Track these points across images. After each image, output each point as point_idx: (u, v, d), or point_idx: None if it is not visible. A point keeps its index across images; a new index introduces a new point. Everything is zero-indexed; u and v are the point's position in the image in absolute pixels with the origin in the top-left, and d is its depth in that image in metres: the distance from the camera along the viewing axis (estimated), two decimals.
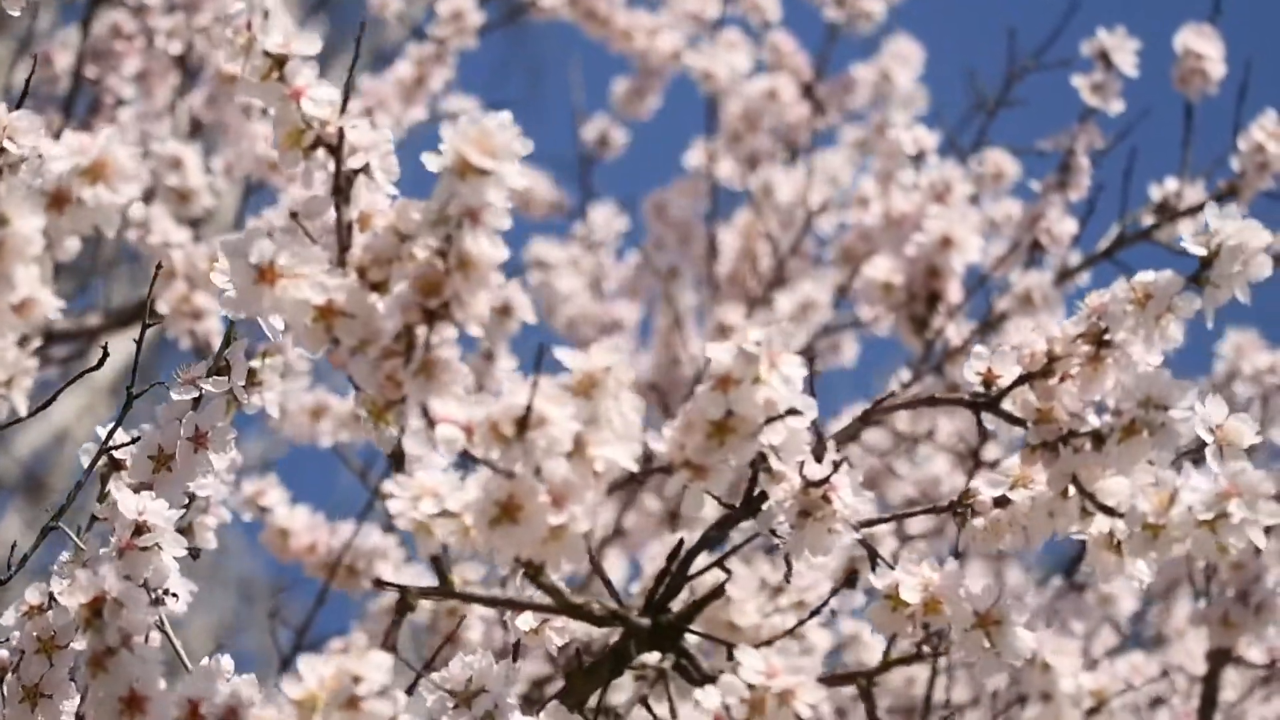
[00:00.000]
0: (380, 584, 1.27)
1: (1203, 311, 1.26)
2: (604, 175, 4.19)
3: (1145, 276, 1.27)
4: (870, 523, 1.41)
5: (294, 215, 1.30)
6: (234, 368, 1.40)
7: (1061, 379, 1.27)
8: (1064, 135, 2.58)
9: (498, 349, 2.35)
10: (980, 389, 1.28)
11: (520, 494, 1.09)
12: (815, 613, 1.34)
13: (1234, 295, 1.26)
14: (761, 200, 2.96)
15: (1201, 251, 1.26)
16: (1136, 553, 1.23)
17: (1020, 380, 1.28)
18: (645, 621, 1.29)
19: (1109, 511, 1.24)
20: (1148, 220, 2.54)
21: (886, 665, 1.26)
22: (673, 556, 1.32)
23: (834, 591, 1.34)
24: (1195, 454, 1.26)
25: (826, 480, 1.26)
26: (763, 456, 1.24)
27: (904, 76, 3.16)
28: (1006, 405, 1.28)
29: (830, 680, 1.20)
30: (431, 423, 1.11)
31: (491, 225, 1.12)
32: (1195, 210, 2.50)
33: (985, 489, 1.33)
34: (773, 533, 1.31)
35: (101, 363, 1.52)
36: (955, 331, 2.52)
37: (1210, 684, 2.29)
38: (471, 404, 1.10)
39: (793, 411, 1.16)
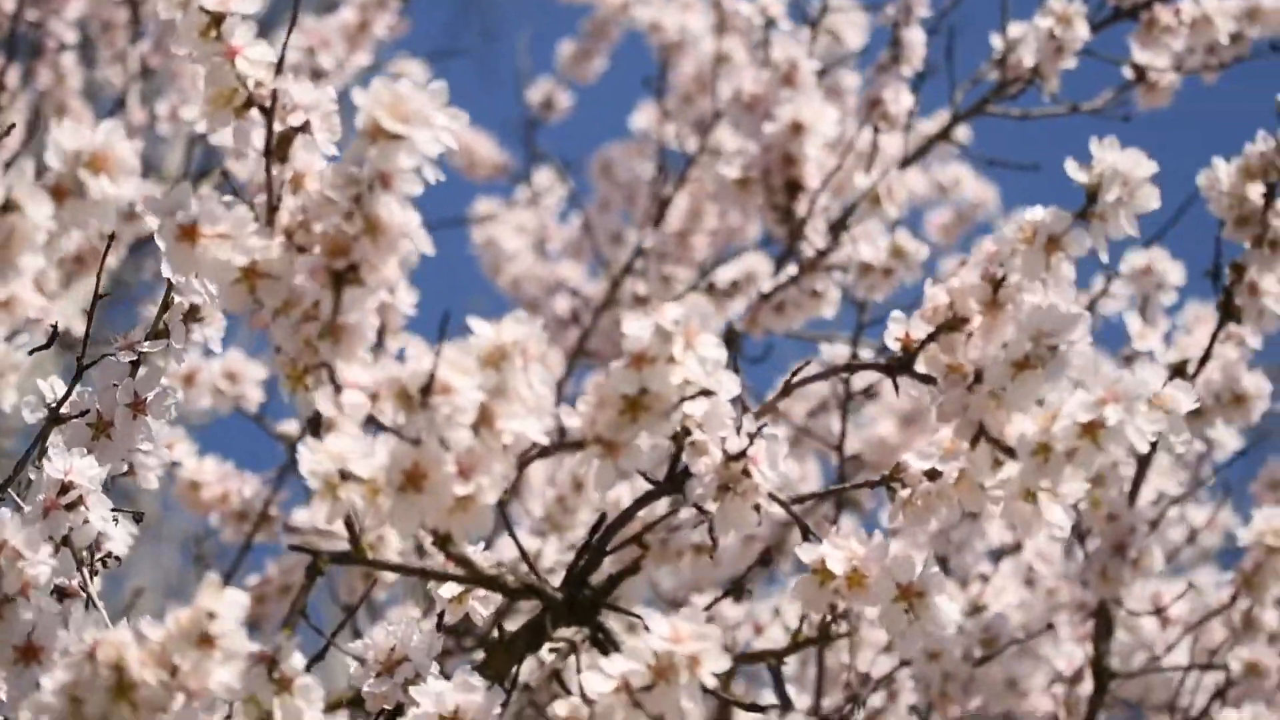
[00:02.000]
0: (293, 547, 1.28)
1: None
2: (549, 137, 4.21)
3: (1033, 214, 1.28)
4: (800, 499, 1.44)
5: (224, 174, 1.31)
6: (173, 332, 1.41)
7: (965, 329, 1.28)
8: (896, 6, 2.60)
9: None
10: (897, 353, 1.30)
11: (426, 462, 1.10)
12: (731, 590, 1.35)
13: (1125, 229, 1.26)
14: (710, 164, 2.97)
15: (1084, 180, 1.27)
16: (1029, 481, 1.23)
17: (930, 338, 1.29)
18: (559, 595, 1.30)
19: (1009, 452, 1.25)
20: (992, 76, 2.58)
21: (795, 646, 1.28)
22: (594, 531, 1.33)
23: (749, 570, 1.35)
24: None
25: (744, 454, 1.27)
26: (686, 431, 1.26)
27: None
28: (919, 366, 1.30)
29: (740, 659, 1.22)
30: (339, 387, 1.12)
31: (403, 191, 1.13)
32: (1025, 82, 2.54)
33: (915, 462, 1.34)
34: (697, 508, 1.32)
35: (51, 341, 1.53)
36: (814, 230, 2.54)
37: (1099, 641, 2.32)
38: (377, 369, 1.11)
39: (706, 392, 1.17)
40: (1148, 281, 2.40)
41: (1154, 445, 2.22)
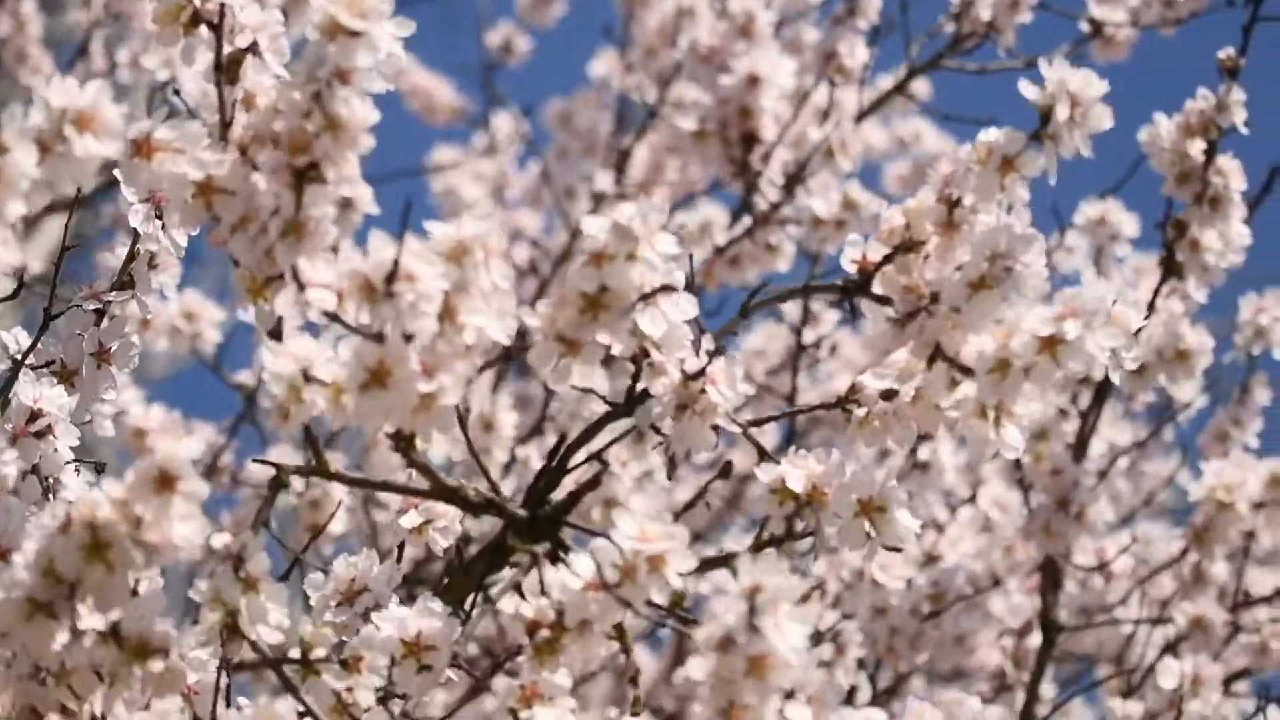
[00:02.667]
0: (255, 460, 1.29)
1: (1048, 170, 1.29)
2: (508, 82, 4.22)
3: (987, 135, 1.29)
4: (757, 422, 1.45)
5: (177, 92, 1.33)
6: (139, 282, 1.43)
7: (921, 250, 1.30)
8: None
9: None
10: (854, 276, 1.32)
11: (390, 359, 1.12)
12: (691, 505, 1.37)
13: (1078, 149, 1.28)
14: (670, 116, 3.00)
15: (1036, 100, 1.28)
16: (986, 396, 1.25)
17: (886, 260, 1.30)
18: (522, 511, 1.32)
19: (966, 372, 1.27)
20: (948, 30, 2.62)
21: (759, 546, 1.30)
22: (554, 452, 1.35)
23: (709, 483, 1.37)
24: None
25: (703, 372, 1.29)
26: (645, 354, 1.28)
27: None
28: (876, 288, 1.31)
29: (705, 564, 1.23)
30: (302, 286, 1.14)
31: (362, 87, 1.15)
32: (982, 36, 2.57)
33: (872, 382, 1.36)
34: (654, 428, 1.34)
35: (18, 291, 1.53)
36: (769, 184, 2.57)
37: (1046, 595, 2.35)
38: (340, 263, 1.13)
39: (667, 288, 1.19)
40: (1102, 233, 2.42)
41: (1101, 397, 2.28)
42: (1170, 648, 2.43)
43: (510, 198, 3.33)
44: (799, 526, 1.27)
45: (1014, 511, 2.55)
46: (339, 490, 2.44)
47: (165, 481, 1.11)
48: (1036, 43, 2.63)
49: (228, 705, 1.25)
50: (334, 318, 1.13)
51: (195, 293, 2.46)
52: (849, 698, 2.42)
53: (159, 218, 1.29)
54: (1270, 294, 2.34)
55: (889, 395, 1.35)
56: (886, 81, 2.79)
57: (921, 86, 2.94)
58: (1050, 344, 1.24)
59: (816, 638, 2.43)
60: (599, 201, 3.01)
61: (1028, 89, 1.30)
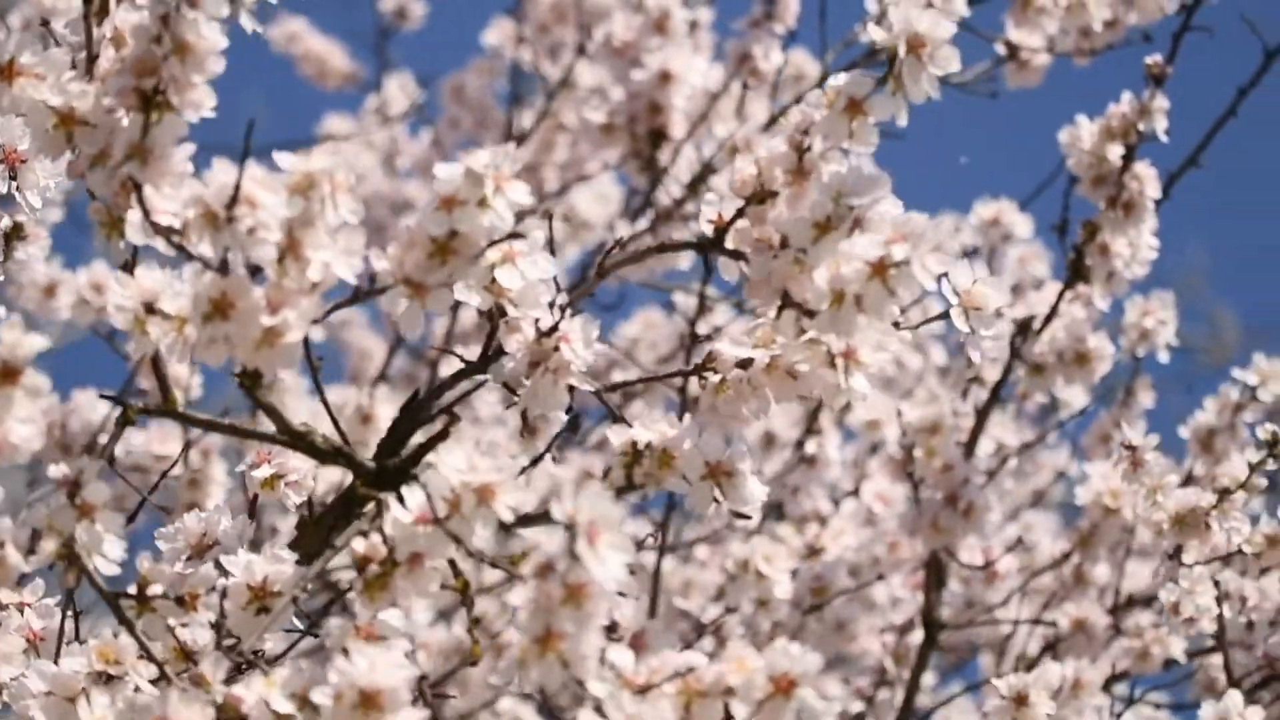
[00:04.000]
0: (102, 396, 1.30)
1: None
2: (401, 48, 4.23)
3: (835, 80, 1.31)
4: (614, 386, 1.48)
5: (45, 24, 1.34)
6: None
7: (774, 201, 1.31)
8: None
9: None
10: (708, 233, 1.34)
11: (233, 291, 1.13)
12: (539, 459, 1.38)
13: (925, 91, 1.29)
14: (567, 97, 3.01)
15: (882, 40, 1.29)
16: (824, 329, 1.26)
17: (738, 214, 1.32)
18: (370, 462, 1.33)
19: (808, 313, 1.28)
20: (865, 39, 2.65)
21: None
22: (406, 405, 1.37)
23: (557, 436, 1.39)
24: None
25: (556, 329, 1.31)
26: (500, 310, 1.30)
27: None
28: (729, 242, 1.33)
29: (530, 519, 1.25)
30: (148, 214, 1.15)
31: (210, 11, 1.16)
32: None
33: (728, 349, 1.38)
34: (507, 386, 1.36)
35: None
36: (674, 180, 2.59)
37: (929, 591, 2.38)
38: (183, 189, 1.14)
39: (515, 235, 1.20)
40: (995, 233, 2.46)
41: (996, 396, 2.30)
42: (1051, 646, 2.47)
43: (401, 167, 3.33)
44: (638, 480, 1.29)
45: (898, 506, 2.58)
46: (219, 471, 2.45)
47: (7, 374, 1.12)
48: None
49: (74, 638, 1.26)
50: (179, 247, 1.14)
51: (104, 264, 2.46)
52: None
53: (13, 179, 1.31)
54: (1155, 297, 2.37)
55: (745, 364, 1.37)
56: (799, 86, 2.82)
57: None
58: (880, 269, 1.24)
59: (699, 629, 2.45)
60: None
61: (873, 30, 1.30)
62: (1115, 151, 2.17)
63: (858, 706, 2.55)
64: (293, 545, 1.37)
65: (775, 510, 2.57)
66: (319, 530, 1.38)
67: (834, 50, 2.75)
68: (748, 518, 1.37)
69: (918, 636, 2.45)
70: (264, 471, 1.43)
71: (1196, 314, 6.15)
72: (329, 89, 3.50)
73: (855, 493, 2.63)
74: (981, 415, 2.33)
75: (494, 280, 1.26)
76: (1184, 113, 2.17)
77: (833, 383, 1.30)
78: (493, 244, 1.19)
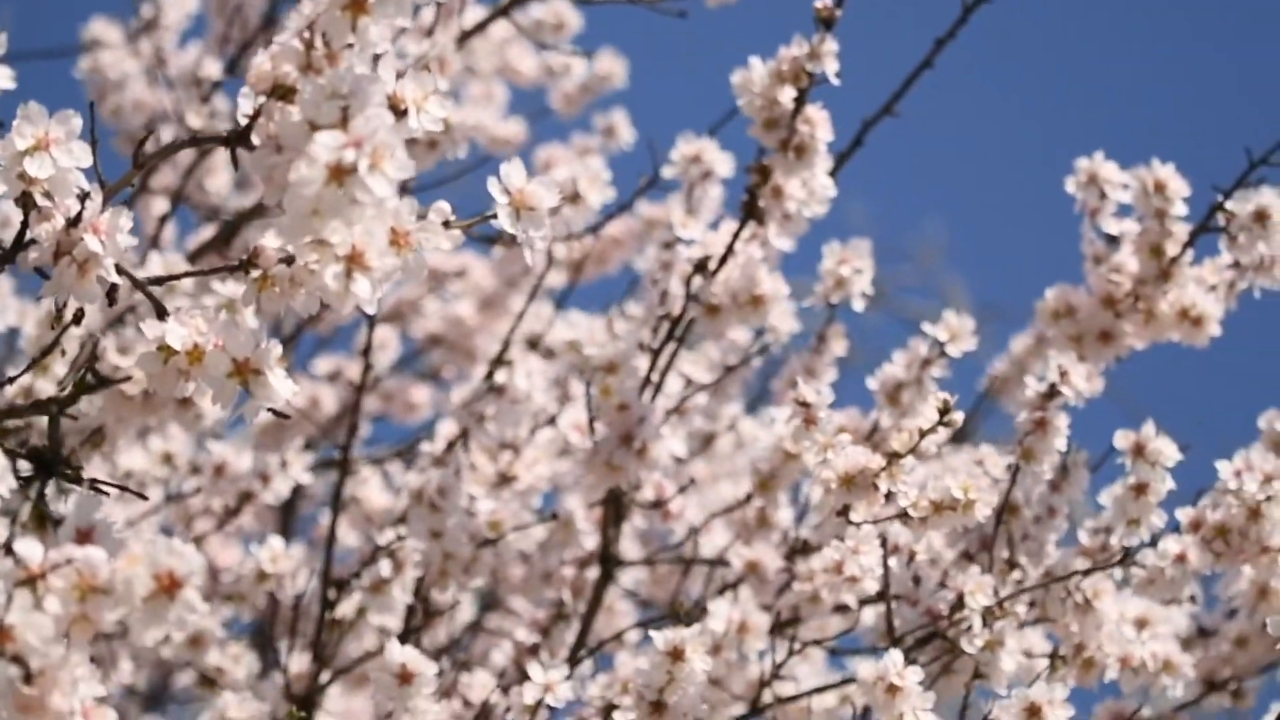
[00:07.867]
0: None
1: None
2: None
3: None
4: (157, 280, 1.51)
5: None
6: None
7: (293, 97, 1.34)
8: None
9: None
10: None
11: None
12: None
13: None
14: None
15: None
16: (296, 235, 1.30)
17: (259, 111, 1.36)
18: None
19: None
20: None
21: (77, 393, 1.35)
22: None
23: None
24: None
25: (80, 218, 1.35)
26: (31, 198, 1.33)
27: None
28: (253, 138, 1.36)
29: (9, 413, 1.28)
30: None
31: None
32: None
33: (272, 243, 1.40)
34: (39, 272, 1.39)
35: None
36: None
37: (607, 528, 2.45)
38: None
39: None
40: (694, 170, 2.49)
41: (672, 334, 2.35)
42: (728, 588, 2.52)
43: (165, 77, 3.30)
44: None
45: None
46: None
47: None
48: None
49: None
50: None
51: None
52: (407, 617, 2.48)
53: None
54: (853, 244, 2.43)
55: (289, 260, 1.41)
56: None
57: (539, 12, 3.00)
58: (339, 174, 1.27)
59: (375, 553, 2.48)
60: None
61: None
62: (787, 95, 2.22)
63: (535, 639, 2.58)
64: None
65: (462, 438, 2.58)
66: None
67: None
68: (285, 417, 1.41)
69: (595, 572, 2.49)
70: None
71: (931, 289, 6.34)
72: None
73: (553, 421, 2.63)
74: (656, 354, 2.37)
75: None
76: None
77: (339, 288, 1.34)
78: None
